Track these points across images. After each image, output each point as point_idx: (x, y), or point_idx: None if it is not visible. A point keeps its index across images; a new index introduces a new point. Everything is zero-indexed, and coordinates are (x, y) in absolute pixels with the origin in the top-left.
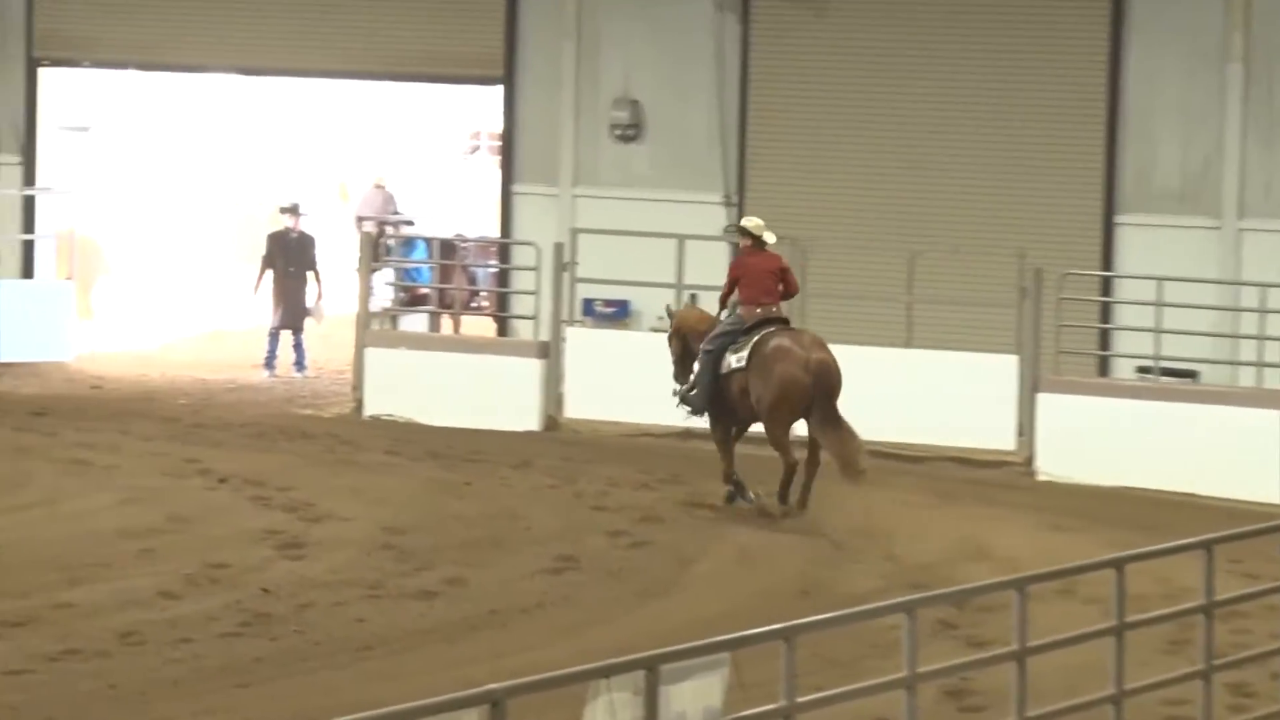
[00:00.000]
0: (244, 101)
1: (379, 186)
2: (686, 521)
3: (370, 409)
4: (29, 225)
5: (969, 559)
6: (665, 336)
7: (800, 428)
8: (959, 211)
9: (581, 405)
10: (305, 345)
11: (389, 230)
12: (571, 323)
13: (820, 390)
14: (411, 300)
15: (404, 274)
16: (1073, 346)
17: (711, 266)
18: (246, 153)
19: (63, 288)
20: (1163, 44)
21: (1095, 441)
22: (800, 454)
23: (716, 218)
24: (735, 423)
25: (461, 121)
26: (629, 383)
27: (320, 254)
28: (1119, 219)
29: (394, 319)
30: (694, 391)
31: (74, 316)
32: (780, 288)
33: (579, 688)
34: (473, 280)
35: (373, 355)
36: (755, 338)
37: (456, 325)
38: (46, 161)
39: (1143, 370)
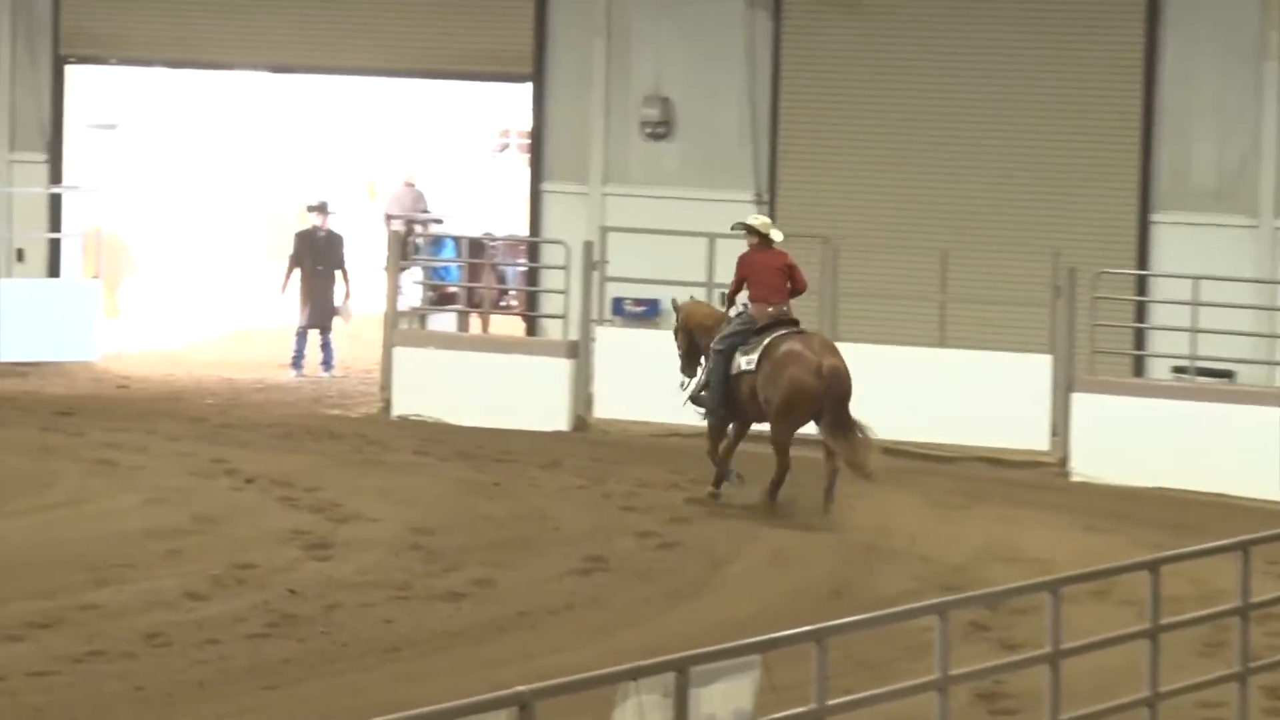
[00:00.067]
0: (272, 99)
1: (409, 185)
2: (717, 522)
3: (398, 409)
4: (55, 224)
5: (1002, 560)
6: (671, 330)
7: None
8: (993, 209)
9: (611, 405)
10: (333, 345)
11: (417, 229)
12: (601, 322)
13: (832, 395)
14: (440, 299)
15: (432, 273)
16: (1107, 346)
17: None
18: (274, 151)
19: (89, 286)
20: (1199, 41)
21: (1130, 442)
22: (812, 457)
23: (747, 216)
24: (742, 422)
25: (490, 119)
26: (659, 382)
27: (348, 253)
28: (1154, 217)
29: (422, 318)
30: (705, 392)
31: (100, 315)
32: (788, 285)
33: (608, 690)
34: (502, 279)
35: (401, 355)
36: (766, 340)
37: (485, 324)
38: (73, 159)
39: (1178, 370)
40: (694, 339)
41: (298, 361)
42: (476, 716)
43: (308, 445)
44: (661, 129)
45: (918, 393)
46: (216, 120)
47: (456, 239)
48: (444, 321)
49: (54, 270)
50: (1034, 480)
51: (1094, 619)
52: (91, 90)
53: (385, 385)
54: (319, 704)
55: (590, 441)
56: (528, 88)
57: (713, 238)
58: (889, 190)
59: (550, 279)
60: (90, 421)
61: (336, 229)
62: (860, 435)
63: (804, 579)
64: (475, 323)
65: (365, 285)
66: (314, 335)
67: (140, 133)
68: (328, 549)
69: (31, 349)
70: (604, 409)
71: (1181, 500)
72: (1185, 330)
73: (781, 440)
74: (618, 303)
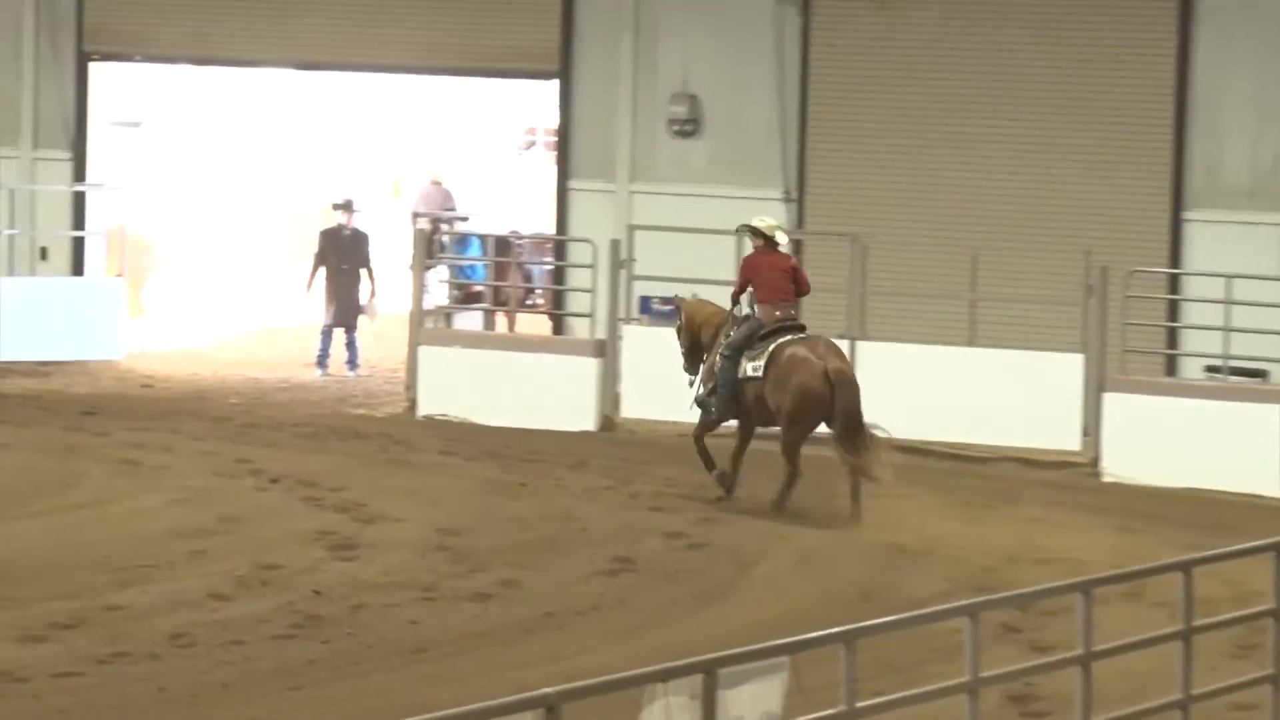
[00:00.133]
0: (297, 96)
1: (436, 183)
2: (745, 523)
3: (424, 409)
4: (79, 222)
5: (1033, 561)
6: (675, 328)
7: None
8: (1024, 207)
9: (638, 405)
10: (358, 344)
11: (443, 227)
12: (628, 321)
13: (839, 399)
14: (466, 298)
15: (458, 271)
16: (1139, 345)
17: None
18: (299, 148)
19: (113, 285)
20: (1232, 37)
21: (1162, 442)
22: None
23: (776, 214)
24: (748, 425)
25: (517, 117)
26: (686, 382)
27: (373, 251)
28: (1187, 215)
29: (448, 317)
30: (713, 396)
31: (124, 314)
32: (793, 287)
33: (635, 692)
34: (528, 278)
35: (426, 354)
36: (771, 346)
37: (511, 323)
38: (97, 157)
39: (1211, 370)
40: (696, 337)
41: (323, 360)
42: (503, 718)
43: (333, 445)
44: (689, 126)
45: (948, 392)
46: (241, 118)
47: (482, 237)
48: (470, 320)
49: (78, 269)
50: (1065, 481)
51: (1126, 621)
52: (115, 87)
53: (411, 384)
54: (344, 705)
55: (617, 441)
56: (554, 84)
57: (741, 235)
58: (918, 187)
59: (577, 277)
60: (114, 421)
61: (362, 227)
62: (869, 440)
63: (832, 580)
64: (501, 322)
65: (391, 284)
66: (339, 334)
67: (165, 130)
68: (353, 549)
69: (55, 348)
70: (631, 408)
71: (1214, 500)
72: (1218, 329)
73: (791, 446)
74: (645, 301)
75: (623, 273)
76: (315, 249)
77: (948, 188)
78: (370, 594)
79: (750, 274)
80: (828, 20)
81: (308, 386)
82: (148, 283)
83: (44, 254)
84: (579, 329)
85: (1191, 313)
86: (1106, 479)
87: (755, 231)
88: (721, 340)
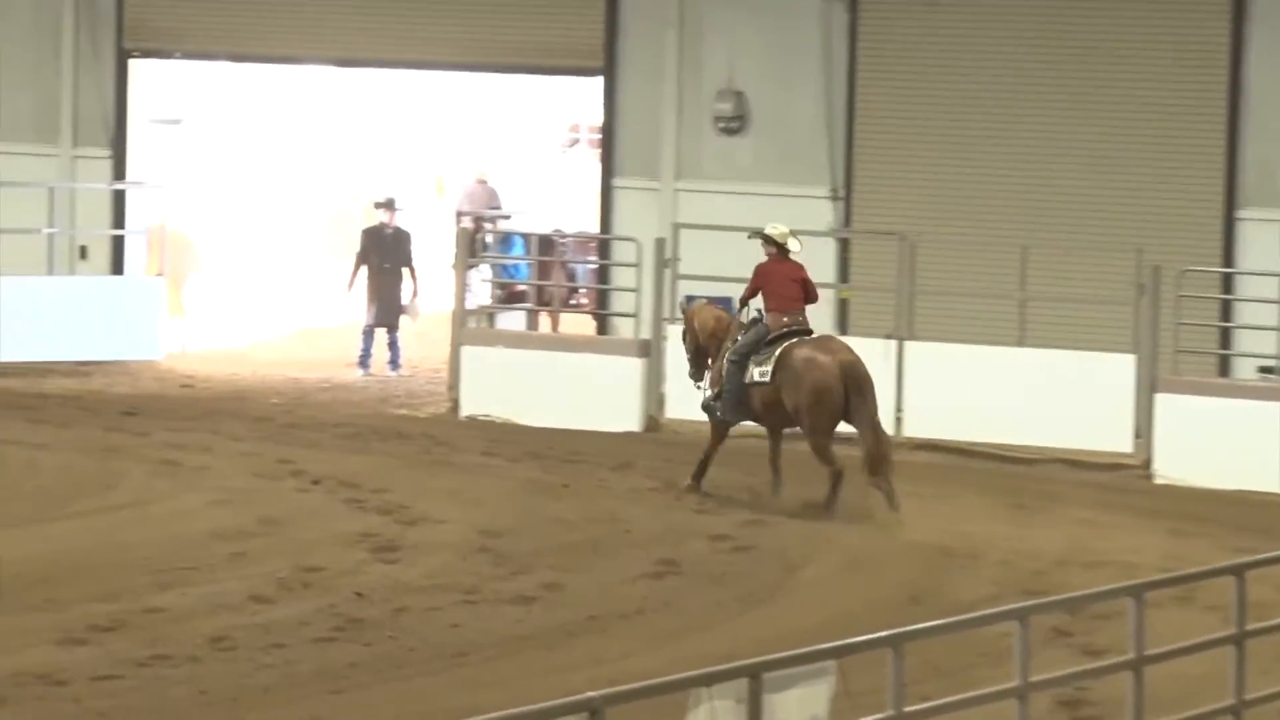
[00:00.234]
0: (338, 93)
1: (482, 182)
2: (791, 525)
3: (466, 409)
4: (119, 220)
5: (1083, 564)
6: (680, 333)
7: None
8: (1074, 206)
9: (683, 405)
10: (400, 343)
11: (486, 226)
12: (673, 320)
13: (852, 390)
14: (509, 297)
15: (501, 270)
16: (1192, 345)
17: (818, 263)
18: (341, 146)
19: (153, 284)
20: None
21: (1215, 443)
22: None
23: (823, 212)
24: (763, 425)
25: (560, 114)
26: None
27: (416, 250)
28: (1240, 214)
29: (491, 317)
30: (718, 400)
31: (165, 314)
32: (803, 296)
33: (679, 696)
34: (571, 277)
35: (469, 354)
36: (778, 350)
37: (555, 323)
38: (137, 155)
39: (1265, 370)
40: (700, 342)
41: (364, 360)
42: None
43: (375, 446)
44: (735, 123)
45: (997, 393)
46: (282, 115)
47: (525, 236)
48: (513, 320)
49: (117, 268)
50: (1116, 483)
51: (1178, 625)
52: (155, 84)
53: (453, 385)
54: (386, 709)
55: (662, 442)
56: (598, 81)
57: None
58: (967, 185)
59: (621, 276)
60: (154, 421)
61: (404, 226)
62: (882, 433)
63: (880, 584)
64: (545, 321)
65: (433, 283)
66: (381, 334)
67: (205, 127)
68: (395, 552)
69: (95, 348)
70: (676, 409)
71: (1268, 503)
72: (1272, 329)
73: (821, 448)
74: (690, 300)
75: (667, 272)
76: (357, 248)
77: (997, 185)
78: (412, 596)
79: (761, 281)
80: (875, 16)
81: (349, 386)
82: (188, 282)
83: (84, 253)
84: (623, 329)
85: (1245, 312)
86: (1158, 481)
87: (768, 239)
88: (728, 345)
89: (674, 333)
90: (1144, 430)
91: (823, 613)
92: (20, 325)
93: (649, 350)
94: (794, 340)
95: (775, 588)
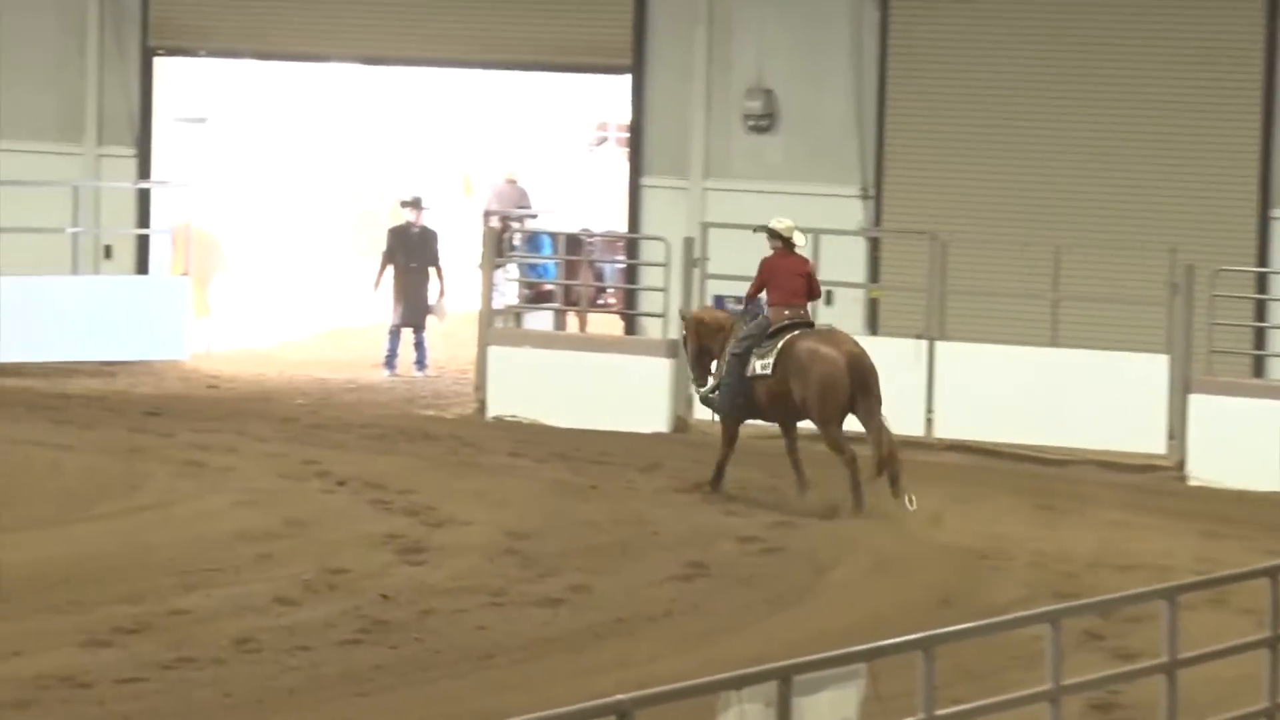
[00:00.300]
0: (364, 92)
1: (511, 181)
2: (820, 527)
3: (493, 410)
4: (144, 219)
5: (1116, 567)
6: (681, 339)
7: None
8: (1107, 205)
9: None
10: (427, 344)
11: (513, 225)
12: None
13: (857, 383)
14: (536, 297)
15: (529, 270)
16: (1226, 346)
17: (848, 262)
18: (367, 145)
19: (178, 284)
20: None
21: (1250, 444)
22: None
23: (853, 211)
24: (769, 419)
25: (588, 112)
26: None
27: (442, 249)
28: (1275, 213)
29: (518, 316)
30: (717, 393)
31: (190, 314)
32: (807, 290)
33: (708, 699)
34: (599, 276)
35: (496, 354)
36: (780, 343)
37: (583, 323)
38: (162, 154)
39: None
40: (703, 343)
41: (391, 361)
42: None
43: (401, 447)
44: (764, 121)
45: (1029, 393)
46: (308, 113)
47: (553, 235)
48: (540, 320)
49: (142, 267)
50: (1150, 484)
51: (1211, 627)
52: (180, 83)
53: (480, 385)
54: (412, 712)
55: (690, 443)
56: (627, 79)
57: (817, 233)
58: (998, 184)
59: (649, 276)
60: (179, 422)
61: (431, 225)
62: (888, 430)
63: (909, 586)
64: (572, 321)
65: (460, 283)
66: (407, 334)
67: (230, 126)
68: (421, 553)
69: (120, 348)
70: (704, 410)
71: None
72: None
73: (833, 440)
74: (719, 300)
75: (696, 271)
76: (383, 247)
77: (1029, 184)
78: (438, 599)
79: (767, 276)
80: (906, 13)
81: (375, 387)
82: (213, 281)
83: (108, 252)
84: (651, 329)
85: (1279, 312)
86: (1192, 482)
87: (773, 233)
88: (732, 341)
89: None
90: (1178, 431)
91: (852, 615)
92: (45, 325)
93: (677, 350)
94: (796, 332)
95: (804, 590)
